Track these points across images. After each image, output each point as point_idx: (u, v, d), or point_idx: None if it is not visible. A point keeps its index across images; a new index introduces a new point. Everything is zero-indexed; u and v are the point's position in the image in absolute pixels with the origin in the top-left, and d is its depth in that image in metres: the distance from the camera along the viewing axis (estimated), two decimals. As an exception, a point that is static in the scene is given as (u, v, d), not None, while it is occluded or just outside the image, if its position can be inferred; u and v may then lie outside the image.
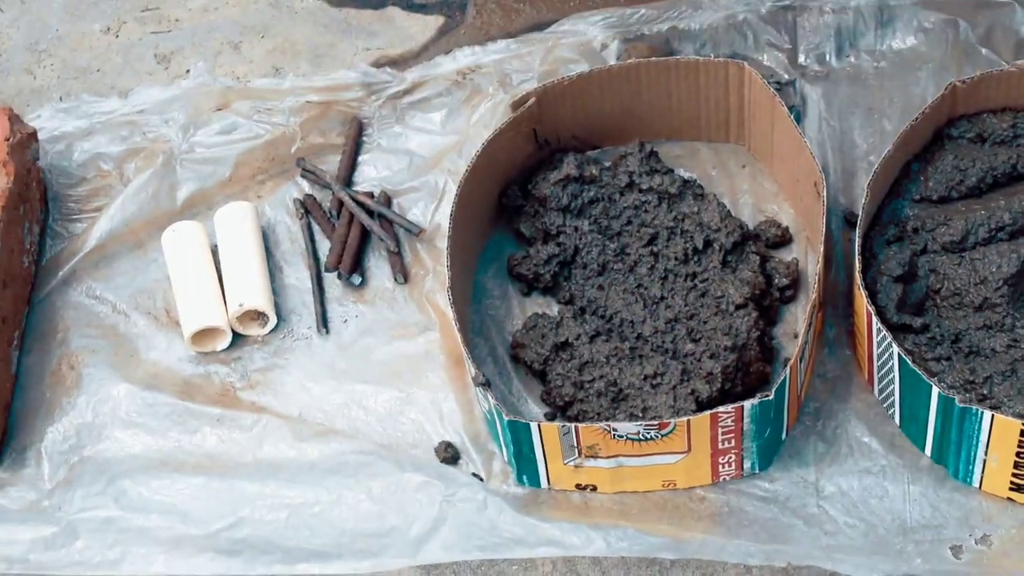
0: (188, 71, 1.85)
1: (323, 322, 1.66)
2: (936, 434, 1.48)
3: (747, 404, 1.44)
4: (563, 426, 1.45)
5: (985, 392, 1.49)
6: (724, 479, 1.52)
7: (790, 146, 1.63)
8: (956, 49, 1.76)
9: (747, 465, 1.51)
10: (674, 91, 1.69)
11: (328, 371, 1.62)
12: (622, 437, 1.45)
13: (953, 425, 1.45)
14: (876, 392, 1.55)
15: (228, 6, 1.91)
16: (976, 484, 1.48)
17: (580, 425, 1.44)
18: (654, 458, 1.48)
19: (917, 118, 1.60)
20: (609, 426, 1.44)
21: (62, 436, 1.60)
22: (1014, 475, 1.45)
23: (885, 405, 1.54)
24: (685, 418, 1.44)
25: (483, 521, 1.50)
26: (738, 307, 1.56)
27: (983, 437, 1.43)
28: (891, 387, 1.51)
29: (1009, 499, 1.48)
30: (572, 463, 1.49)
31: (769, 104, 1.64)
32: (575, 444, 1.47)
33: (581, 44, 1.78)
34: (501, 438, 1.51)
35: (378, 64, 1.84)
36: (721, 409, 1.44)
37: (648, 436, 1.45)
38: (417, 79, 1.79)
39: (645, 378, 1.53)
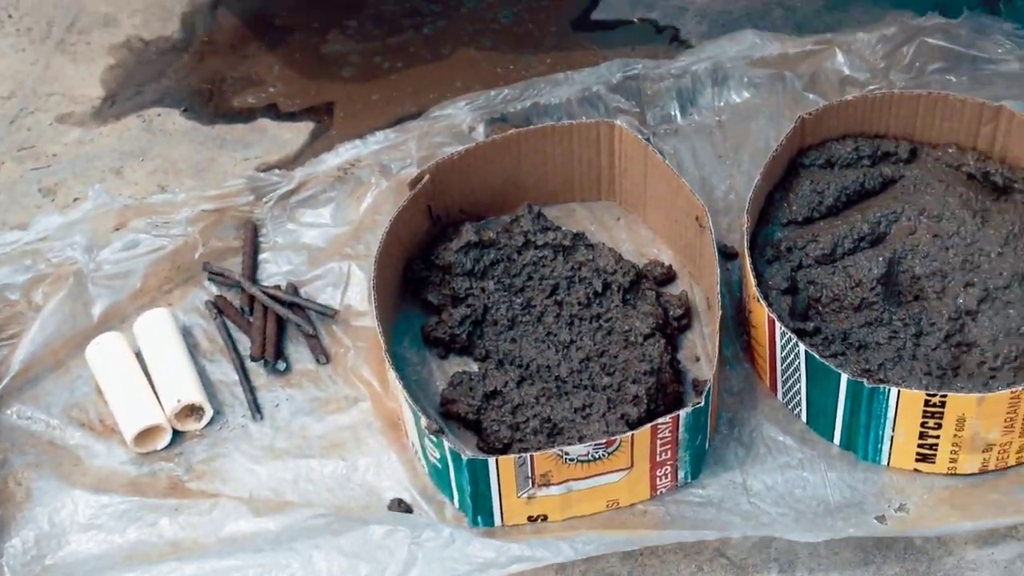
0: (76, 199, 1.93)
1: (256, 408, 1.74)
2: (844, 421, 1.64)
3: (682, 413, 1.58)
4: (519, 457, 1.57)
5: (881, 377, 1.66)
6: (661, 492, 1.65)
7: (667, 189, 1.79)
8: (786, 97, 1.96)
9: (681, 475, 1.64)
10: (550, 156, 1.84)
11: (270, 452, 1.71)
12: (573, 460, 1.58)
13: (862, 408, 1.61)
14: (780, 396, 1.71)
15: (103, 136, 2.01)
16: (884, 462, 1.65)
17: (536, 453, 1.57)
18: (600, 478, 1.60)
19: (776, 150, 1.78)
20: (562, 451, 1.57)
21: (22, 549, 1.64)
22: (919, 446, 1.62)
23: (791, 406, 1.70)
24: (629, 433, 1.57)
25: (453, 552, 1.59)
26: (646, 337, 1.71)
27: (890, 414, 1.60)
28: (797, 386, 1.67)
29: (915, 470, 1.64)
30: (526, 495, 1.61)
31: (641, 154, 1.81)
32: (529, 475, 1.59)
33: (452, 128, 1.93)
34: (454, 483, 1.62)
35: (260, 170, 1.95)
36: (660, 421, 1.58)
37: (596, 456, 1.58)
38: (303, 178, 1.90)
39: (575, 411, 1.66)
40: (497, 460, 1.57)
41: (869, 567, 1.59)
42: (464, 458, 1.57)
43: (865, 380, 1.59)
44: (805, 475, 1.65)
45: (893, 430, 1.61)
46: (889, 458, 1.64)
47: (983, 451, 1.61)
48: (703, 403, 1.59)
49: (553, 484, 1.60)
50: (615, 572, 1.61)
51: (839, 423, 1.65)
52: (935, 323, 1.70)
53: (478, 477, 1.59)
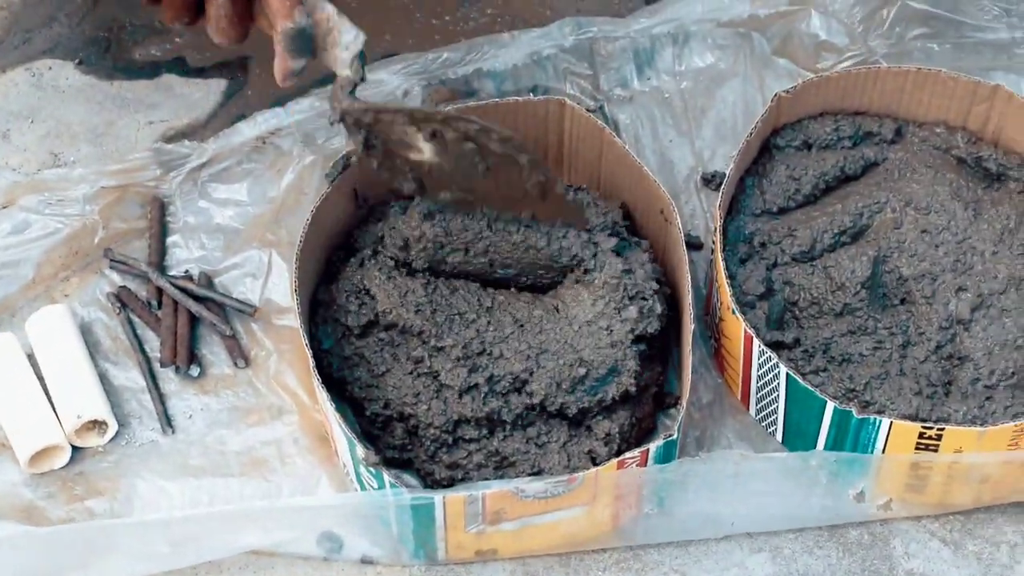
0: (-42, 169, 1.71)
1: (167, 421, 1.55)
2: (828, 448, 1.48)
3: (652, 447, 1.41)
4: (470, 495, 1.39)
5: (868, 399, 1.50)
6: (623, 524, 1.48)
7: (626, 176, 1.60)
8: (754, 61, 1.77)
9: (646, 507, 1.48)
10: (494, 135, 1.65)
11: (183, 470, 1.52)
12: (530, 497, 1.40)
13: (848, 438, 1.45)
14: (754, 412, 1.54)
15: (-14, 93, 1.78)
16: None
17: (488, 492, 1.39)
18: (558, 513, 1.43)
19: (751, 134, 1.60)
20: (519, 488, 1.39)
21: (-98, 585, 1.46)
22: (909, 475, 1.47)
23: (765, 424, 1.54)
24: (594, 469, 1.40)
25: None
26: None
27: (879, 445, 1.45)
28: (774, 405, 1.50)
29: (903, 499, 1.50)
30: (475, 530, 1.44)
31: (596, 136, 1.61)
32: (480, 512, 1.41)
33: (386, 94, 1.72)
34: (393, 515, 1.44)
35: (167, 138, 1.73)
36: (628, 455, 1.41)
37: (556, 492, 1.41)
38: (217, 149, 1.69)
39: (528, 440, 1.49)
40: (444, 499, 1.39)
41: (853, 612, 1.45)
42: (408, 496, 1.39)
43: (853, 409, 1.43)
44: (782, 503, 1.49)
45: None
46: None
47: (979, 483, 1.47)
48: (675, 435, 1.42)
49: (506, 520, 1.43)
50: (572, 614, 1.45)
51: (821, 448, 1.49)
52: (924, 332, 1.53)
53: (421, 514, 1.41)
